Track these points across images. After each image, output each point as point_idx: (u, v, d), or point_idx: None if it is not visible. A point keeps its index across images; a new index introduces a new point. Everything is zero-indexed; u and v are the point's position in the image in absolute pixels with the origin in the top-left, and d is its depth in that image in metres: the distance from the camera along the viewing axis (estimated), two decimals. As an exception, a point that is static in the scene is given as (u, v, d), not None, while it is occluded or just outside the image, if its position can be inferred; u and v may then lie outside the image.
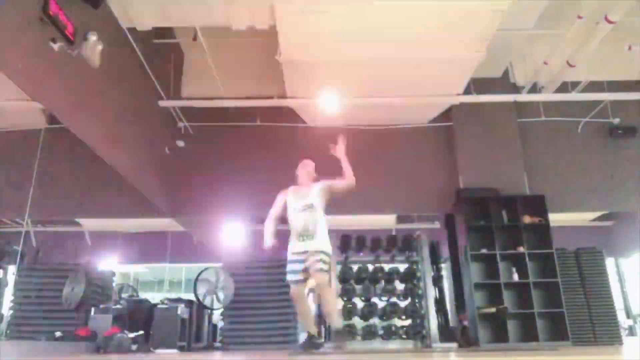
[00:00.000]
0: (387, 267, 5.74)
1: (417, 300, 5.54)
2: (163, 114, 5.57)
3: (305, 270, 3.23)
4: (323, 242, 3.30)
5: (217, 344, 5.43)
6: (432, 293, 5.45)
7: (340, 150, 3.57)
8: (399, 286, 5.70)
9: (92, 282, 4.91)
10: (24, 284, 5.05)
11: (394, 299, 5.59)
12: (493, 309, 4.93)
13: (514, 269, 5.12)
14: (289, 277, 3.29)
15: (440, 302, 5.75)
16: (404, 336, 5.39)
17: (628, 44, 4.90)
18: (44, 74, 3.13)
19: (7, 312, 4.90)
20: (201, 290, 4.99)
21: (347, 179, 3.47)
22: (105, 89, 4.07)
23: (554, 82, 5.60)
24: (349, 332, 5.24)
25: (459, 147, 5.81)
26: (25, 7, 2.87)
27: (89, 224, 6.29)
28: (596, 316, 5.43)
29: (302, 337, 3.32)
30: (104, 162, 4.11)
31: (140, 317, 4.79)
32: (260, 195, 5.82)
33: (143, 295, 6.54)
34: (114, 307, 4.86)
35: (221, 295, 5.07)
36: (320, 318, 4.85)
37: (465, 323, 5.28)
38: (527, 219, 5.27)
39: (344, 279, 5.49)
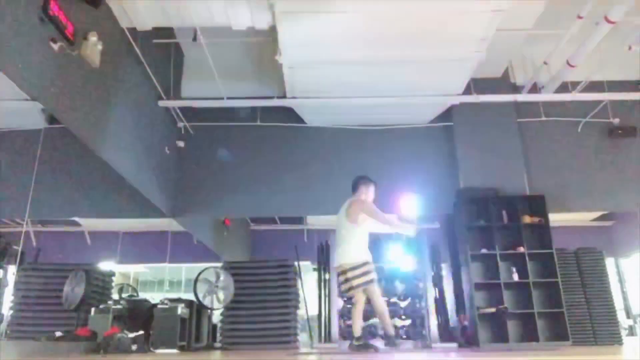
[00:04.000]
0: (387, 267, 5.75)
1: (417, 300, 5.55)
2: (163, 114, 5.57)
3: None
4: None
5: (217, 344, 5.43)
6: (432, 293, 5.45)
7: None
8: (400, 286, 5.71)
9: (92, 282, 4.91)
10: (24, 284, 5.04)
11: (394, 299, 5.60)
12: (493, 309, 4.93)
13: (514, 269, 5.12)
14: (368, 278, 3.79)
15: (440, 302, 5.76)
16: (404, 336, 5.39)
17: (628, 44, 4.90)
18: (44, 74, 3.13)
19: (7, 312, 4.89)
20: (201, 290, 4.99)
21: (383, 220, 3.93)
22: (105, 89, 4.07)
23: (554, 82, 5.59)
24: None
25: (459, 147, 5.81)
26: (25, 7, 2.87)
27: (89, 224, 6.28)
28: (596, 316, 5.43)
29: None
30: (104, 162, 4.11)
31: (140, 317, 4.79)
32: (260, 195, 5.87)
33: (143, 295, 6.53)
34: (114, 307, 4.86)
35: (221, 295, 5.07)
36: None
37: (465, 323, 5.28)
38: (527, 219, 5.27)
39: (344, 279, 5.49)
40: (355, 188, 4.12)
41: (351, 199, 4.04)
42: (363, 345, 3.80)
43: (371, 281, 3.81)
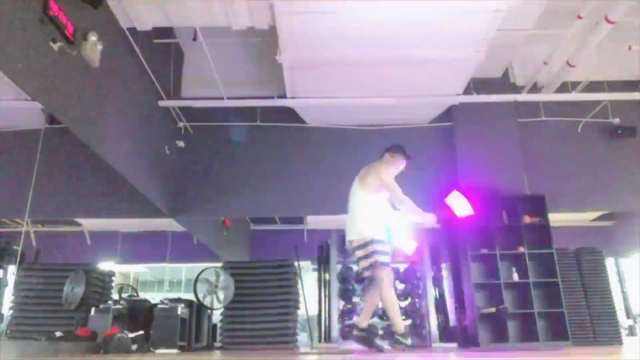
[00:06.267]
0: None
1: (417, 300, 5.54)
2: (163, 114, 5.57)
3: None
4: None
5: (217, 344, 5.43)
6: (432, 293, 5.45)
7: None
8: (399, 286, 5.70)
9: (92, 282, 4.91)
10: (24, 284, 5.04)
11: (393, 299, 5.59)
12: (493, 309, 4.93)
13: (514, 269, 5.12)
14: (372, 260, 3.23)
15: (440, 302, 5.75)
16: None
17: (628, 44, 4.90)
18: (44, 74, 3.13)
19: (7, 312, 4.89)
20: (201, 290, 4.99)
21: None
22: (105, 89, 4.07)
23: (554, 82, 5.60)
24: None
25: (459, 147, 5.81)
26: (25, 7, 2.87)
27: (89, 224, 6.29)
28: (596, 316, 5.43)
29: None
30: (104, 162, 4.12)
31: (140, 317, 4.79)
32: (260, 195, 5.87)
33: (143, 295, 6.54)
34: (114, 307, 4.86)
35: (221, 295, 5.07)
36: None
37: (466, 323, 5.28)
38: (527, 219, 5.27)
39: (343, 279, 5.49)
40: (381, 155, 3.57)
41: (371, 164, 3.49)
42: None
43: (375, 264, 3.20)
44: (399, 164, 3.54)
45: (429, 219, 3.42)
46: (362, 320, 3.41)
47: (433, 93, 5.42)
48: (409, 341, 3.18)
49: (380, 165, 3.47)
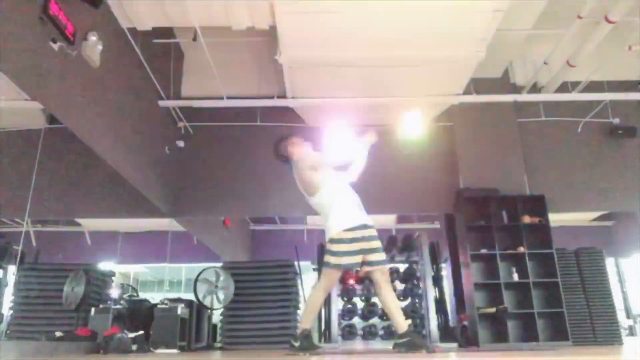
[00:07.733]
0: (387, 267, 5.75)
1: (417, 300, 5.55)
2: (163, 114, 5.57)
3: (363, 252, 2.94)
4: None
5: (217, 344, 5.44)
6: (432, 293, 5.45)
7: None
8: (399, 286, 5.71)
9: (92, 282, 4.91)
10: (24, 284, 5.04)
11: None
12: (493, 309, 4.93)
13: (514, 269, 5.12)
14: (345, 261, 2.89)
15: (440, 302, 5.76)
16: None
17: (628, 44, 4.90)
18: (44, 74, 3.13)
19: (7, 312, 4.89)
20: (201, 290, 4.99)
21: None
22: (105, 89, 4.07)
23: (554, 82, 5.60)
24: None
25: (459, 147, 5.81)
26: (25, 7, 2.87)
27: (89, 224, 6.29)
28: (596, 316, 5.43)
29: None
30: (104, 162, 4.11)
31: (140, 317, 4.79)
32: (260, 195, 5.87)
33: (143, 295, 6.54)
34: (114, 307, 4.86)
35: (221, 295, 5.08)
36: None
37: (465, 323, 5.28)
38: (527, 219, 5.27)
39: (343, 279, 5.50)
40: (285, 159, 3.35)
41: (294, 173, 3.24)
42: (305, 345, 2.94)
43: (327, 264, 2.93)
44: (304, 146, 3.36)
45: (371, 138, 3.25)
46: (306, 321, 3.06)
47: (433, 93, 5.42)
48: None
49: (296, 165, 3.24)
